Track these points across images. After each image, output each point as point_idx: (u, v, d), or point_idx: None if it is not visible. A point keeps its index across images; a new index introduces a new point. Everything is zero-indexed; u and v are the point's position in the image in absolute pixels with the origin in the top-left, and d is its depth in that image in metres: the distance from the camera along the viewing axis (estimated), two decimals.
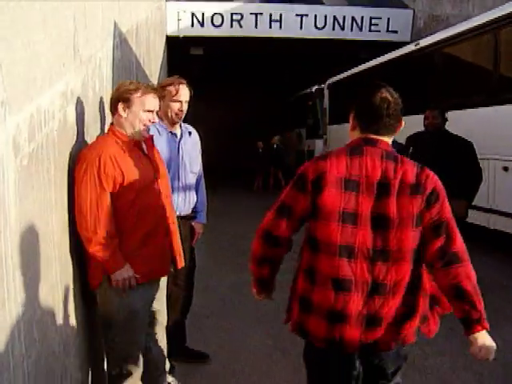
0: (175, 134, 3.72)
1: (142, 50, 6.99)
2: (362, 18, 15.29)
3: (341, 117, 12.94)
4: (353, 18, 15.29)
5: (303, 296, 2.25)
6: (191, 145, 3.86)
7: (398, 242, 2.11)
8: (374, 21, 15.34)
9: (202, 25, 15.06)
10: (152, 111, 2.88)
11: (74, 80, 2.70)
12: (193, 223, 3.89)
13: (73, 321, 2.63)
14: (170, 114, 3.59)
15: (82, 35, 2.91)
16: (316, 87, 16.18)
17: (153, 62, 9.09)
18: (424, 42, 9.09)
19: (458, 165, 4.87)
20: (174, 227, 3.10)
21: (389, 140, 2.28)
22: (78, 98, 2.82)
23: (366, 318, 2.14)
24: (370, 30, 15.38)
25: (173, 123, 3.67)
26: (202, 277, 6.33)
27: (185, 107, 3.63)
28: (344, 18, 15.26)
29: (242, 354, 4.31)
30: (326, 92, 14.74)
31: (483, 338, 2.09)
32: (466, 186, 5.01)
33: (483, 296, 2.13)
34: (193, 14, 14.92)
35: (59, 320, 2.38)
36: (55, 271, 2.35)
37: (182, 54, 16.30)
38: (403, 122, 2.33)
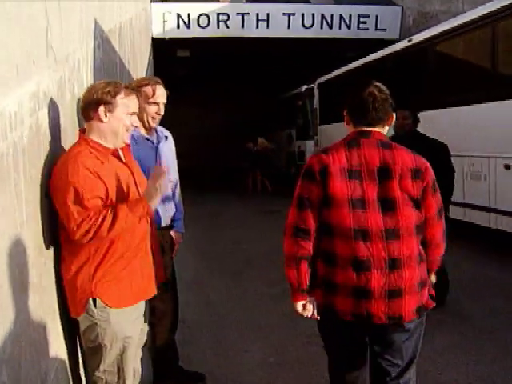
0: (151, 141, 3.42)
1: (127, 51, 6.69)
2: (350, 16, 15.09)
3: (332, 117, 12.74)
4: (341, 17, 15.09)
5: (324, 278, 2.43)
6: (168, 150, 3.60)
7: (405, 221, 2.34)
8: (362, 19, 15.15)
9: (187, 26, 14.79)
10: (134, 114, 2.65)
11: (47, 80, 2.41)
12: (171, 232, 3.64)
13: (53, 353, 2.34)
14: (145, 119, 3.27)
15: (56, 32, 2.63)
16: (305, 87, 15.96)
17: (138, 65, 8.80)
18: (417, 38, 8.85)
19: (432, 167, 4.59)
20: (155, 241, 2.86)
21: (382, 130, 2.51)
22: (53, 102, 2.54)
23: (388, 292, 2.32)
24: (358, 28, 15.19)
25: (149, 128, 3.37)
26: (196, 288, 6.10)
27: (162, 110, 3.34)
28: (332, 16, 15.06)
29: (242, 374, 3.97)
30: (316, 91, 14.52)
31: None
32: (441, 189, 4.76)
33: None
34: (178, 16, 14.64)
35: (35, 356, 2.09)
36: (30, 297, 2.06)
37: (168, 56, 16.03)
38: (394, 115, 2.56)
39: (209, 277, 6.64)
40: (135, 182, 2.68)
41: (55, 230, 2.47)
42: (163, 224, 3.47)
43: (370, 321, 2.36)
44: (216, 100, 21.86)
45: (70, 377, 2.65)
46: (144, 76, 3.50)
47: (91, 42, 3.74)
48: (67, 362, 2.61)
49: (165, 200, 3.44)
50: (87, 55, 3.56)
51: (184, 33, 14.80)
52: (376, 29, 15.11)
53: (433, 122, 8.18)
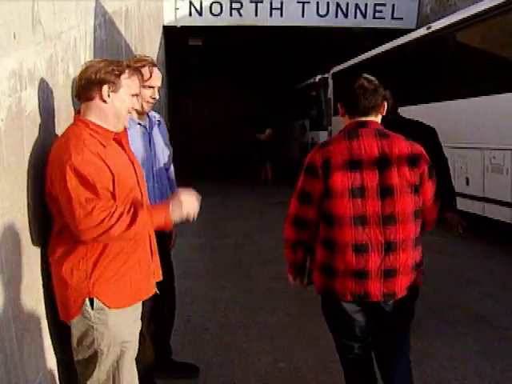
0: (144, 126, 3.19)
1: (134, 36, 6.46)
2: (366, 4, 14.73)
3: None
4: (356, 5, 14.74)
5: (324, 264, 2.60)
6: (161, 136, 3.37)
7: (402, 207, 2.49)
8: (378, 7, 14.78)
9: (200, 14, 14.50)
10: (137, 95, 2.49)
11: (32, 58, 2.17)
12: None
13: (37, 364, 2.09)
14: (140, 102, 3.00)
15: (46, 6, 2.39)
16: (319, 76, 15.61)
17: (147, 51, 8.56)
18: (437, 26, 8.50)
19: None
20: (153, 236, 2.59)
21: (376, 119, 2.66)
22: (42, 82, 2.30)
23: (384, 272, 2.52)
24: (374, 17, 14.84)
25: (141, 113, 3.15)
26: (203, 283, 5.86)
27: (157, 94, 3.14)
28: (347, 4, 14.71)
29: (248, 379, 3.68)
30: (331, 81, 14.18)
31: None
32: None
33: None
34: (191, 3, 14.36)
35: (14, 366, 1.85)
36: (8, 298, 1.83)
37: (180, 44, 15.80)
38: (386, 104, 2.72)
39: (216, 271, 6.39)
40: (135, 173, 2.45)
41: (41, 224, 2.25)
42: None
43: (367, 299, 2.57)
44: (228, 90, 21.56)
45: None
46: (141, 56, 3.14)
47: (91, 20, 3.51)
48: (55, 372, 2.38)
49: (161, 190, 3.25)
50: (86, 34, 3.33)
51: (196, 21, 14.53)
52: (392, 18, 14.76)
53: (451, 113, 7.92)
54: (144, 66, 3.01)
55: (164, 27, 13.93)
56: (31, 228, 2.16)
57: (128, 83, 2.36)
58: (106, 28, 4.15)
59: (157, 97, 3.13)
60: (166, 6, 14.07)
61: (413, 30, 10.87)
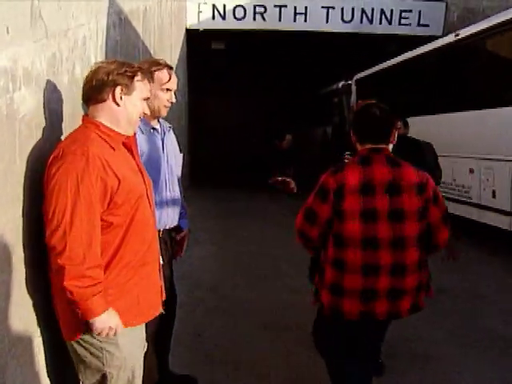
0: (157, 130, 3.05)
1: (153, 37, 6.30)
2: (392, 10, 14.46)
3: None
4: (382, 11, 14.47)
5: (333, 283, 2.68)
6: (173, 143, 3.24)
7: (410, 231, 2.61)
8: (404, 14, 14.49)
9: (223, 17, 14.34)
10: (147, 99, 2.34)
11: (30, 55, 1.99)
12: (180, 234, 3.34)
13: None
14: (156, 106, 2.90)
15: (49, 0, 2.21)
16: (342, 83, 15.36)
17: (168, 54, 8.43)
18: (465, 33, 8.21)
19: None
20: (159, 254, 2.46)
21: (387, 147, 2.74)
22: (41, 82, 2.12)
23: (392, 293, 2.63)
24: (399, 24, 14.55)
25: (156, 117, 3.02)
26: (214, 296, 5.62)
27: (174, 98, 3.03)
28: (372, 10, 14.45)
29: None
30: (354, 88, 13.92)
31: None
32: None
33: None
34: (214, 6, 14.22)
35: None
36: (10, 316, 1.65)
37: (203, 48, 15.69)
38: (396, 131, 2.80)
39: (229, 283, 6.17)
40: (144, 181, 2.32)
41: (35, 239, 2.07)
42: (173, 225, 3.16)
43: (374, 318, 2.69)
44: (249, 94, 21.39)
45: None
46: (157, 59, 2.96)
47: (103, 19, 3.34)
48: None
49: (174, 198, 3.13)
50: (97, 33, 3.15)
51: (219, 24, 14.36)
52: (418, 24, 14.46)
53: (479, 123, 7.62)
54: (161, 68, 2.91)
55: (187, 30, 13.82)
56: (24, 242, 1.97)
57: (141, 86, 2.24)
58: (121, 28, 3.99)
59: (174, 100, 3.01)
60: (188, 8, 13.96)
61: (439, 38, 10.59)
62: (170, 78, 2.92)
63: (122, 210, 2.10)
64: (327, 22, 14.42)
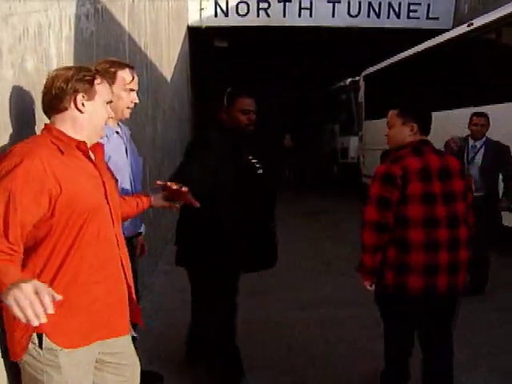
0: (119, 134, 2.89)
1: (143, 31, 5.88)
2: (400, 4, 14.06)
3: (379, 111, 11.71)
4: (389, 4, 14.07)
5: (396, 263, 2.93)
6: (133, 147, 3.08)
7: (461, 210, 2.98)
8: (412, 7, 14.09)
9: (226, 14, 14.01)
10: (110, 103, 2.18)
11: None
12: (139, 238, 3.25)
13: None
14: (120, 108, 2.71)
15: None
16: (350, 79, 14.93)
17: (164, 51, 8.00)
18: (479, 22, 7.73)
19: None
20: (127, 265, 2.22)
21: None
22: None
23: (450, 267, 2.93)
24: (408, 17, 14.14)
25: (118, 120, 2.85)
26: None
27: (137, 99, 2.84)
28: (380, 4, 14.05)
29: None
30: (362, 84, 13.48)
31: None
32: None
33: None
34: (216, 3, 13.87)
35: None
36: None
37: (205, 46, 15.33)
38: None
39: None
40: (105, 191, 2.11)
41: None
42: (139, 230, 3.09)
43: (436, 292, 2.95)
44: (254, 93, 20.99)
45: None
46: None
47: (70, 7, 2.91)
48: None
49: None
50: (60, 22, 2.73)
51: (222, 21, 14.03)
52: (427, 18, 14.04)
53: (498, 118, 7.14)
54: (123, 68, 2.74)
55: (188, 28, 13.45)
56: None
57: (101, 90, 2.10)
58: (97, 18, 3.57)
59: (137, 101, 2.82)
60: (190, 5, 13.60)
61: (448, 31, 10.11)
62: (133, 78, 2.76)
63: (64, 217, 1.92)
64: (333, 16, 14.07)
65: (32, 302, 1.58)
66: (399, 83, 11.01)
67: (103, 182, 2.11)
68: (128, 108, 2.77)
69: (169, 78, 8.64)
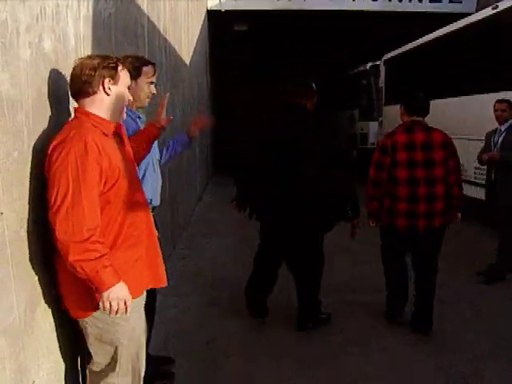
0: (141, 119, 3.22)
1: (164, 16, 5.83)
2: None
3: (399, 96, 11.55)
4: None
5: (389, 208, 4.15)
6: None
7: (438, 174, 4.04)
8: None
9: None
10: (129, 89, 2.47)
11: None
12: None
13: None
14: (142, 97, 3.09)
15: None
16: (371, 64, 14.71)
17: (183, 35, 7.95)
18: (504, 5, 7.53)
19: None
20: (153, 226, 2.63)
21: (422, 118, 4.16)
22: None
23: (427, 214, 4.07)
24: (430, 1, 13.81)
25: (138, 107, 3.19)
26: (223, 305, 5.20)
27: (154, 90, 3.21)
28: None
29: None
30: (383, 69, 13.28)
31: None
32: None
33: None
34: None
35: None
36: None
37: (224, 30, 15.18)
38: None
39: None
40: (133, 165, 2.53)
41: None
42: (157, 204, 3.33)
43: (416, 230, 4.10)
44: (274, 78, 20.83)
45: None
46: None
47: None
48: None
49: (159, 177, 3.36)
50: (79, 3, 2.70)
51: (241, 5, 13.80)
52: (450, 1, 13.72)
53: None
54: (146, 64, 3.09)
55: (208, 11, 13.34)
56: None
57: (123, 75, 2.38)
58: (116, 0, 3.54)
59: (155, 92, 3.17)
60: None
61: (471, 15, 9.89)
62: (154, 73, 3.11)
63: (116, 190, 2.25)
64: (354, 0, 13.77)
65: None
66: (420, 68, 10.83)
67: (131, 157, 2.49)
68: (148, 97, 3.11)
69: (188, 61, 8.59)
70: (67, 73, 2.54)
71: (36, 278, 2.18)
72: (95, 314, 2.26)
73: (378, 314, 4.60)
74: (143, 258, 2.41)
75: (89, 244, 2.08)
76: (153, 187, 3.19)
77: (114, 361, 2.38)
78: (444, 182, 4.02)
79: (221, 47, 17.15)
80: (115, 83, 2.32)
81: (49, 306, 2.31)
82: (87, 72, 2.24)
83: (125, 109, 2.42)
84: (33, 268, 2.15)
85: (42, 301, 2.24)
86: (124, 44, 3.83)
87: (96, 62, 2.27)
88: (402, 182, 4.02)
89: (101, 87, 2.28)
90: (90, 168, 2.11)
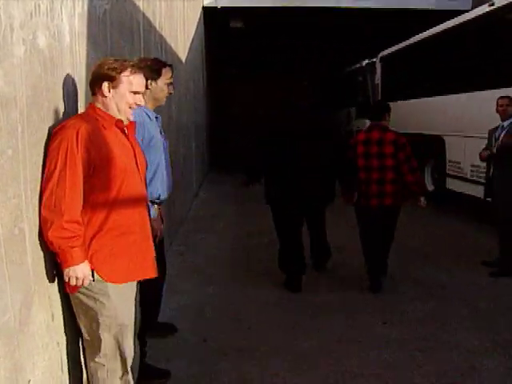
0: (158, 119, 3.49)
1: (159, 13, 5.81)
2: None
3: (395, 93, 11.55)
4: None
5: (363, 192, 5.17)
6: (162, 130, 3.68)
7: (388, 163, 5.06)
8: None
9: None
10: (138, 93, 2.64)
11: None
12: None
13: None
14: (161, 97, 3.44)
15: None
16: (367, 61, 14.69)
17: (178, 32, 7.93)
18: (501, 2, 7.52)
19: None
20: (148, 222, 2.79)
21: (382, 122, 5.27)
22: None
23: (379, 194, 5.10)
24: None
25: (157, 106, 3.52)
26: (224, 294, 5.22)
27: (172, 90, 3.54)
28: None
29: None
30: (379, 66, 13.27)
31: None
32: None
33: None
34: None
35: None
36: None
37: (220, 27, 15.15)
38: (388, 115, 5.33)
39: (243, 278, 5.73)
40: (136, 161, 2.66)
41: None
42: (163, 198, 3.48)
43: (371, 207, 5.14)
44: (270, 76, 20.79)
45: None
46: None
47: None
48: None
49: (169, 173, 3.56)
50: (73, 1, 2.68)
51: (238, 1, 13.80)
52: None
53: None
54: (164, 66, 3.39)
55: (204, 8, 13.31)
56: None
57: (129, 80, 2.55)
58: None
59: (172, 92, 3.51)
60: None
61: (467, 12, 9.88)
62: (172, 74, 3.43)
63: (104, 178, 2.44)
64: None
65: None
66: (416, 65, 10.83)
67: (134, 152, 2.66)
68: (166, 97, 3.46)
69: (183, 58, 8.57)
70: (62, 70, 2.53)
71: (31, 276, 2.17)
72: (82, 289, 2.45)
73: (374, 310, 4.60)
74: (132, 249, 2.58)
75: (64, 222, 2.28)
76: (163, 184, 3.38)
77: (98, 340, 2.55)
78: (394, 169, 5.05)
79: (217, 44, 17.12)
80: (114, 87, 2.54)
81: (44, 305, 2.32)
82: (94, 71, 2.56)
83: (127, 111, 2.60)
84: (27, 266, 2.13)
85: (38, 299, 2.23)
86: (119, 41, 3.81)
87: (106, 63, 2.55)
88: (361, 169, 5.12)
89: (100, 88, 2.52)
90: (77, 153, 2.31)
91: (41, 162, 2.29)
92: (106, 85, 2.50)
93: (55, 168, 2.28)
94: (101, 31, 3.25)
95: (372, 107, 5.63)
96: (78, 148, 2.31)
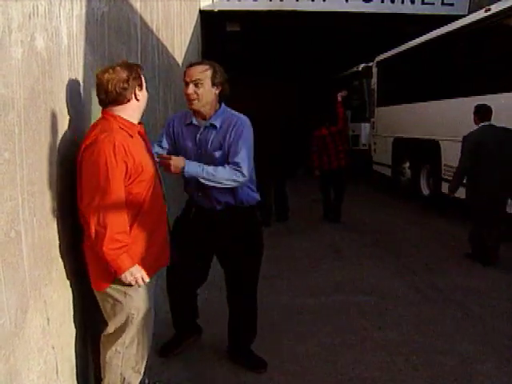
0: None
1: (157, 16, 5.80)
2: None
3: (391, 98, 11.58)
4: None
5: (319, 156, 8.91)
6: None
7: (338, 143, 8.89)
8: None
9: None
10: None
11: None
12: None
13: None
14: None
15: None
16: (363, 65, 14.72)
17: (176, 34, 7.93)
18: (498, 7, 7.54)
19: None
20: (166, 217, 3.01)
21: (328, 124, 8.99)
22: None
23: (337, 158, 8.72)
24: (422, 3, 13.84)
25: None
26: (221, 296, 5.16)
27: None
28: None
29: None
30: (375, 70, 13.30)
31: None
32: None
33: None
34: None
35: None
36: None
37: (217, 30, 15.15)
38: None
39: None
40: (154, 161, 2.86)
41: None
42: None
43: (332, 169, 8.74)
44: (266, 79, 20.78)
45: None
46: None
47: None
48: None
49: None
50: (71, 1, 2.67)
51: (234, 5, 13.82)
52: (442, 3, 13.75)
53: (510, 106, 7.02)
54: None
55: (201, 12, 13.31)
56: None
57: (143, 78, 2.75)
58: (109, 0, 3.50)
59: (189, 93, 3.43)
60: None
61: (464, 17, 9.92)
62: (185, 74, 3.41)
63: (138, 183, 2.61)
64: (347, 1, 13.81)
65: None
66: (412, 70, 10.86)
67: (152, 154, 2.86)
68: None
69: (180, 61, 8.56)
70: (60, 72, 2.52)
71: (27, 279, 2.15)
72: (111, 285, 2.63)
73: (370, 315, 4.60)
74: (157, 243, 2.81)
75: (116, 234, 2.47)
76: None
77: (121, 331, 2.71)
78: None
79: (214, 47, 17.11)
80: (141, 88, 2.71)
81: (39, 309, 2.29)
82: (121, 85, 2.59)
83: None
84: (23, 270, 2.12)
85: (33, 303, 2.21)
86: (117, 43, 3.80)
87: (125, 74, 2.61)
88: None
89: (133, 95, 2.66)
90: (117, 167, 2.46)
91: (38, 165, 2.27)
92: (138, 90, 2.67)
93: (98, 183, 2.44)
94: (98, 33, 3.23)
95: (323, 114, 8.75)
96: (117, 161, 2.46)
